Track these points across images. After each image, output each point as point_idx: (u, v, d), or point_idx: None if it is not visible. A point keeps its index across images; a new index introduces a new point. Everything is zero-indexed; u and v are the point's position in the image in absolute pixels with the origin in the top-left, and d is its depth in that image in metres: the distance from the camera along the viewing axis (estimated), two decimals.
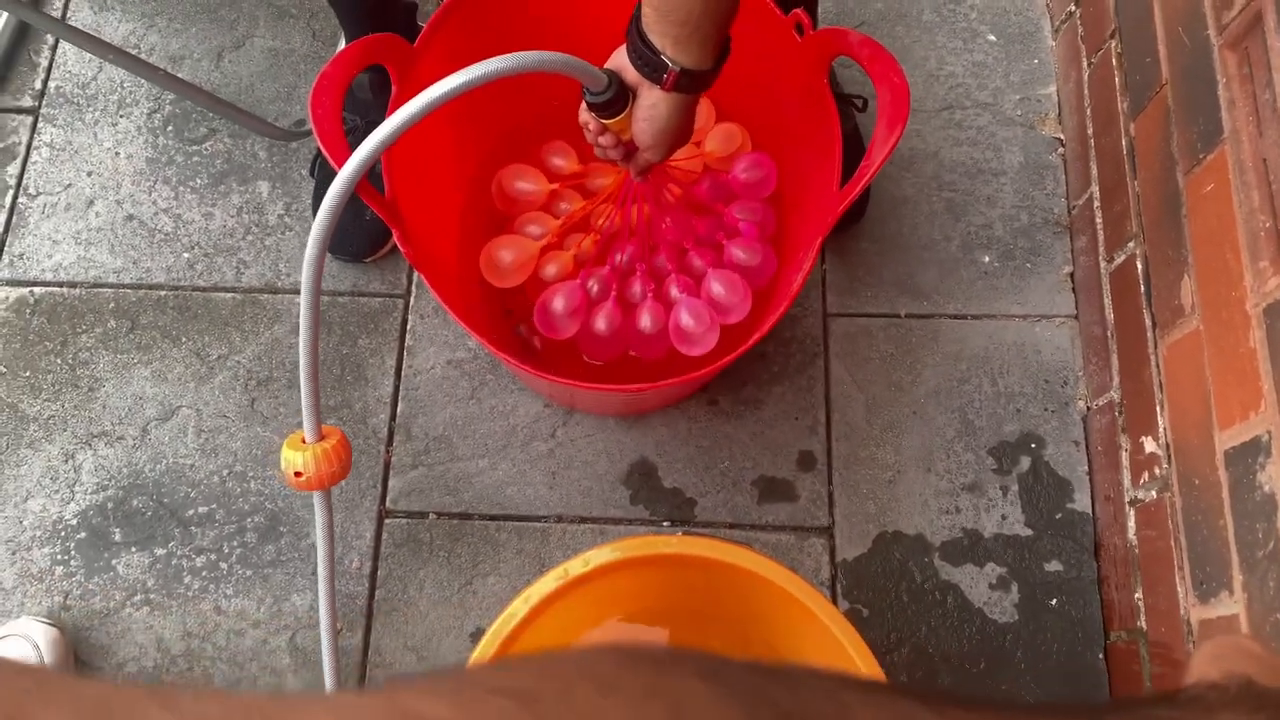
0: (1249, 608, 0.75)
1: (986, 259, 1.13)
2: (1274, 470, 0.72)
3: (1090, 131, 1.10)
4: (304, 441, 0.88)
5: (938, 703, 0.24)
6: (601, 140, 0.82)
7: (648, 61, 0.72)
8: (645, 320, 1.00)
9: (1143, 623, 0.92)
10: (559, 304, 0.99)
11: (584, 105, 0.80)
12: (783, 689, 0.22)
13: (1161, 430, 0.90)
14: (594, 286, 1.01)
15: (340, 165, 0.77)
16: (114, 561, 1.04)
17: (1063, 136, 1.17)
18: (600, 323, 1.00)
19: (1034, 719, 0.25)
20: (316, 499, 0.91)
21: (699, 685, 0.21)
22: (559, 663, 0.22)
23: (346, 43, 1.13)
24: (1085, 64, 1.13)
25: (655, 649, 0.23)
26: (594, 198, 1.04)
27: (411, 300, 1.14)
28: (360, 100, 1.10)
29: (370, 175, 1.05)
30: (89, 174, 1.19)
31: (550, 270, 1.03)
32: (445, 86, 0.69)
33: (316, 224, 0.73)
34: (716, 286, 0.99)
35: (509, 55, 0.70)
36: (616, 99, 0.76)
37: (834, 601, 1.01)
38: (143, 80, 1.23)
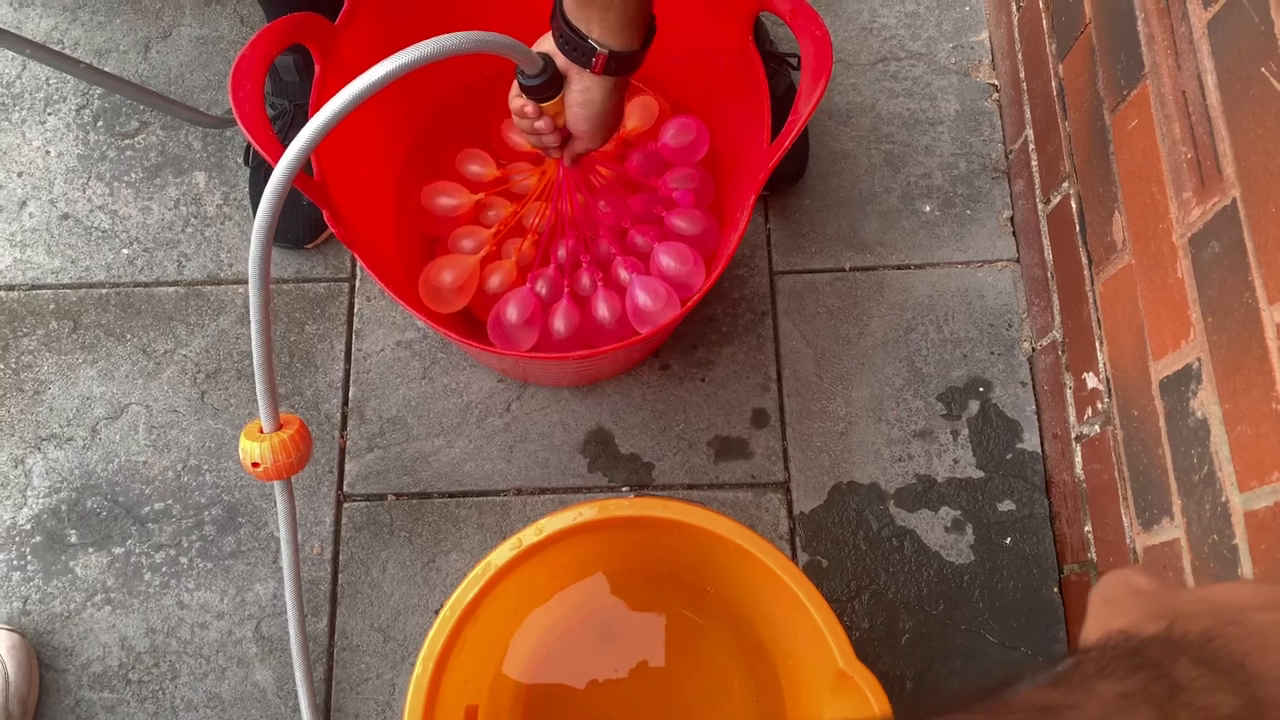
0: (1188, 531, 0.77)
1: (927, 208, 1.14)
2: (1205, 396, 0.74)
3: (1022, 76, 1.11)
4: (261, 431, 0.88)
5: None
6: (539, 125, 0.80)
7: (575, 47, 0.72)
8: (602, 310, 0.97)
9: (1093, 554, 0.94)
10: (512, 314, 0.97)
11: (515, 91, 0.78)
12: None
13: (1101, 365, 0.92)
14: (543, 288, 0.99)
15: (265, 150, 0.76)
16: (71, 563, 1.03)
17: (996, 82, 1.18)
18: (559, 324, 0.98)
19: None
20: (277, 489, 0.90)
21: None
22: None
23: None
24: (1014, 8, 1.13)
25: None
26: (522, 199, 1.03)
27: (357, 283, 1.13)
28: (287, 84, 1.09)
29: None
30: (19, 174, 1.17)
31: (495, 282, 1.00)
32: (386, 69, 0.67)
33: (259, 217, 0.72)
34: (666, 260, 0.98)
35: (449, 35, 0.68)
36: (551, 82, 0.75)
37: (794, 554, 1.02)
38: (69, 76, 1.21)
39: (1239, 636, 0.27)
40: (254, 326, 0.78)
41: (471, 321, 1.05)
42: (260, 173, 1.12)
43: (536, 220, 0.99)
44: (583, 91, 0.75)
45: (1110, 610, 0.31)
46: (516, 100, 0.80)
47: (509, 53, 0.72)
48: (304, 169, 0.82)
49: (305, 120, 0.91)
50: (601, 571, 0.92)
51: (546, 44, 0.75)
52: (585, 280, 0.99)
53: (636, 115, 1.04)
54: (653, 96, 1.06)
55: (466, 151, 1.05)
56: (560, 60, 0.74)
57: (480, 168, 1.04)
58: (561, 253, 0.99)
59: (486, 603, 0.78)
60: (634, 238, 1.00)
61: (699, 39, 0.96)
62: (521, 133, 0.84)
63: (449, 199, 1.03)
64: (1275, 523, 0.66)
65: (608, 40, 0.71)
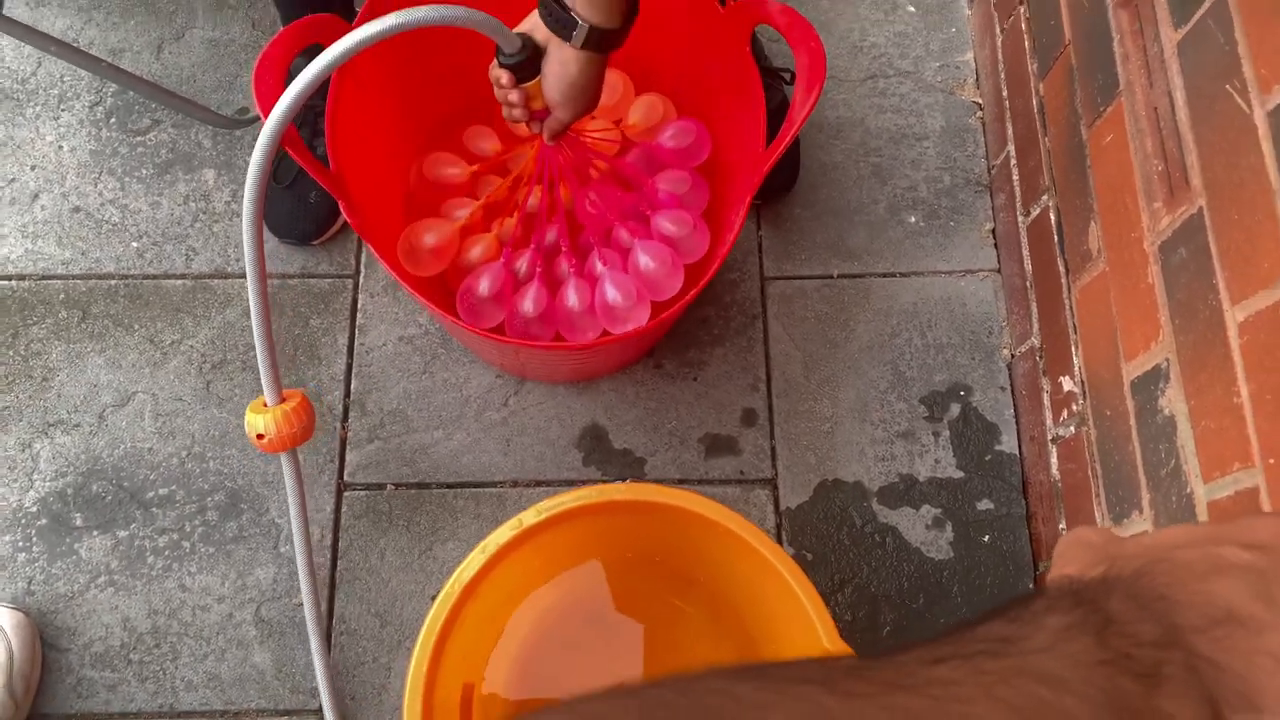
0: (1156, 522, 0.81)
1: (913, 219, 1.18)
2: (1172, 394, 0.78)
3: (1005, 94, 1.16)
4: (265, 405, 0.91)
5: (836, 678, 0.27)
6: (512, 97, 0.83)
7: (558, 19, 0.75)
8: (572, 299, 0.99)
9: None
10: (484, 286, 0.99)
11: (495, 63, 0.81)
12: (676, 692, 0.26)
13: (1077, 369, 0.96)
14: (521, 267, 1.01)
15: (286, 144, 0.79)
16: (76, 546, 1.06)
17: (980, 100, 1.23)
18: (527, 304, 1.00)
19: (901, 666, 0.28)
20: (284, 460, 0.93)
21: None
22: None
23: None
24: (998, 30, 1.19)
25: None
26: (516, 177, 1.06)
27: (361, 280, 1.17)
28: None
29: (318, 155, 1.07)
30: (32, 168, 1.20)
31: (475, 253, 1.03)
32: (365, 32, 0.70)
33: (251, 169, 0.74)
34: (644, 259, 1.00)
35: (426, 6, 0.71)
36: (529, 62, 0.79)
37: None
38: (83, 74, 1.24)
39: (1164, 571, 0.31)
40: (251, 296, 0.81)
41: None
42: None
43: (527, 198, 1.02)
44: (560, 63, 0.78)
45: (1062, 562, 0.35)
46: (495, 70, 0.82)
47: (487, 30, 0.75)
48: (321, 161, 0.85)
49: (320, 123, 0.95)
50: (596, 558, 0.95)
51: (532, 19, 0.78)
52: (563, 266, 1.01)
53: (640, 112, 1.08)
54: (659, 96, 1.09)
55: (475, 128, 1.08)
56: (542, 33, 0.78)
57: (485, 143, 1.07)
58: (549, 237, 1.01)
59: (487, 582, 0.81)
60: (618, 233, 1.03)
61: (698, 48, 1.01)
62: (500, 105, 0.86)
63: (447, 168, 1.06)
64: (1236, 510, 0.70)
65: (590, 15, 0.74)
